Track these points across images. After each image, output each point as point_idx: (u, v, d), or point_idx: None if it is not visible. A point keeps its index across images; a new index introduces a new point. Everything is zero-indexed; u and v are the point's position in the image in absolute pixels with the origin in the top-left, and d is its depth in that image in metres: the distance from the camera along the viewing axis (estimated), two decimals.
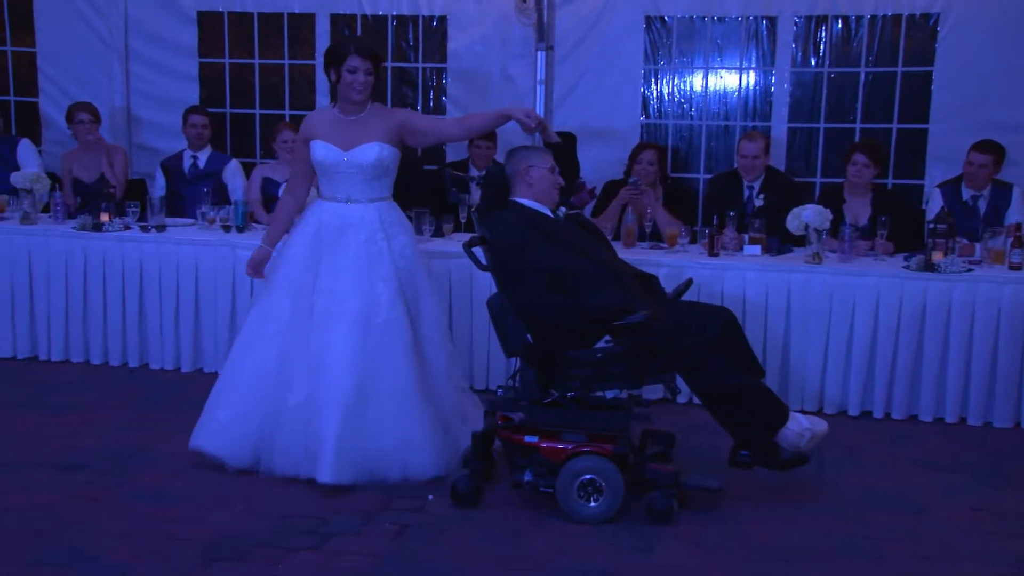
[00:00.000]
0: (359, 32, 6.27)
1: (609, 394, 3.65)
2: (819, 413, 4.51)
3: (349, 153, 3.61)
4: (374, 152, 3.62)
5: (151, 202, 5.15)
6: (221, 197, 5.65)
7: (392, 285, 3.59)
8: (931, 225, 4.62)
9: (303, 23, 6.38)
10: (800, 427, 3.35)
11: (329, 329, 3.52)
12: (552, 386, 3.41)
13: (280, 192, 5.18)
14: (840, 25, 5.89)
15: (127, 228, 5.09)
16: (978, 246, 4.73)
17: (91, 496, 3.45)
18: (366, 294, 3.55)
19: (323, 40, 6.31)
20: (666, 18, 6.07)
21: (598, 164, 5.68)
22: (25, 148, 6.01)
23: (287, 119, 6.26)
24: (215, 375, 3.87)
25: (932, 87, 5.79)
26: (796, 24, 5.92)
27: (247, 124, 6.58)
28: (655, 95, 6.20)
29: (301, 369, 3.53)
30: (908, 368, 4.44)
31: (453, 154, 6.18)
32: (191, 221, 5.33)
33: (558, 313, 3.35)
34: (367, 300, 3.54)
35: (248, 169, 5.94)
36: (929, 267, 4.41)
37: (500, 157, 4.28)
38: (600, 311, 3.31)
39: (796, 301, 4.51)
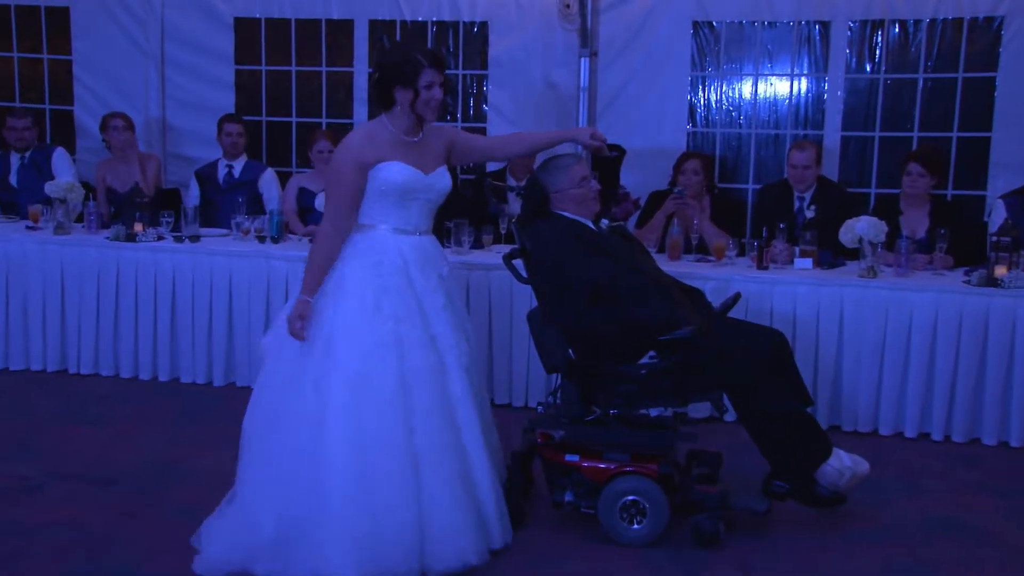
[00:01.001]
0: (398, 38, 6.34)
1: (653, 412, 3.64)
2: (873, 434, 4.48)
3: (429, 177, 3.27)
4: (447, 176, 3.36)
5: (185, 212, 5.23)
6: (256, 207, 5.73)
7: (468, 325, 3.47)
8: (994, 238, 4.56)
9: (341, 29, 6.48)
10: (842, 464, 3.34)
11: (460, 388, 3.21)
12: (594, 403, 3.43)
13: (317, 203, 5.26)
14: (897, 29, 5.85)
15: (160, 238, 5.18)
16: None
17: (125, 511, 3.51)
18: (465, 340, 3.32)
19: (361, 47, 6.40)
20: (714, 23, 6.08)
21: (643, 174, 5.68)
22: (60, 157, 6.14)
23: (324, 127, 6.35)
24: (248, 389, 3.50)
25: (995, 93, 5.74)
26: (851, 29, 5.90)
27: (283, 132, 6.68)
28: (702, 103, 6.21)
29: (445, 443, 3.11)
30: (969, 388, 4.38)
31: (491, 163, 6.23)
32: (225, 232, 5.41)
33: (601, 326, 3.37)
34: (468, 346, 3.33)
35: (284, 179, 6.04)
36: (992, 282, 4.35)
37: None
38: (645, 324, 3.32)
39: (849, 317, 4.47)
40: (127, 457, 4.06)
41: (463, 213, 5.06)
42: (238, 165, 5.97)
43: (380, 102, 3.22)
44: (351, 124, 6.48)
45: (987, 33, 5.75)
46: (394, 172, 3.17)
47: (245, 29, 6.54)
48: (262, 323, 4.93)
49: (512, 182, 5.64)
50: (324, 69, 6.55)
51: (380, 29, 6.42)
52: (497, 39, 6.27)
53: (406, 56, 3.16)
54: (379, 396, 3.00)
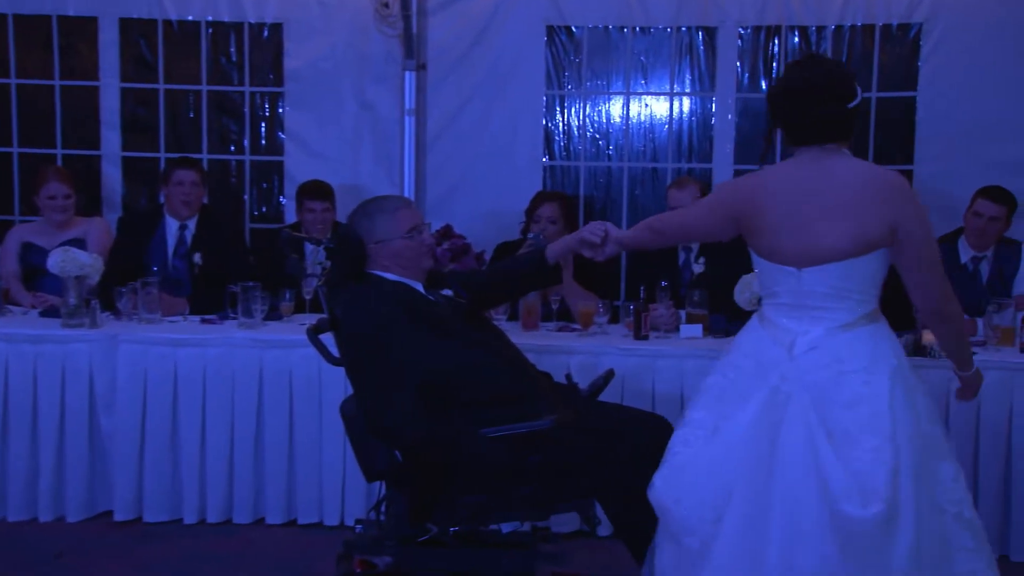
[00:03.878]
0: (160, 44, 6.32)
1: (506, 528, 3.69)
2: None
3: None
4: None
5: None
6: None
7: None
8: None
9: (80, 30, 6.42)
10: None
11: None
12: (430, 519, 3.45)
13: (50, 264, 5.11)
14: (797, 38, 6.25)
15: None
16: (980, 322, 4.92)
17: None
18: None
19: (110, 54, 6.34)
20: (573, 28, 6.33)
21: (487, 220, 5.82)
22: None
23: (58, 163, 6.24)
24: None
25: (916, 117, 6.14)
26: (741, 37, 6.26)
27: (3, 167, 6.53)
28: (561, 128, 6.42)
29: None
30: None
31: (292, 213, 6.26)
32: None
33: (434, 425, 3.41)
34: None
35: (3, 229, 5.89)
36: (920, 350, 4.61)
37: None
38: (493, 418, 3.39)
39: None
40: None
41: (254, 273, 5.07)
42: None
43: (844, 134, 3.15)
44: (97, 156, 6.40)
45: (903, 43, 6.17)
46: None
47: None
48: None
49: (318, 234, 5.65)
50: (58, 83, 6.47)
51: (135, 31, 6.39)
52: (295, 47, 6.36)
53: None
54: None
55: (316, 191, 5.72)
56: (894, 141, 6.22)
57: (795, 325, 3.07)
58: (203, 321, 5.09)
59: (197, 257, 5.54)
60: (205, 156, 6.46)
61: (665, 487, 3.11)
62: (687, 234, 3.92)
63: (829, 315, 3.05)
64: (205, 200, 5.73)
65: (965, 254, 5.55)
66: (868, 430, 2.90)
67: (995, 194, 5.45)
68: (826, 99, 3.08)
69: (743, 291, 4.74)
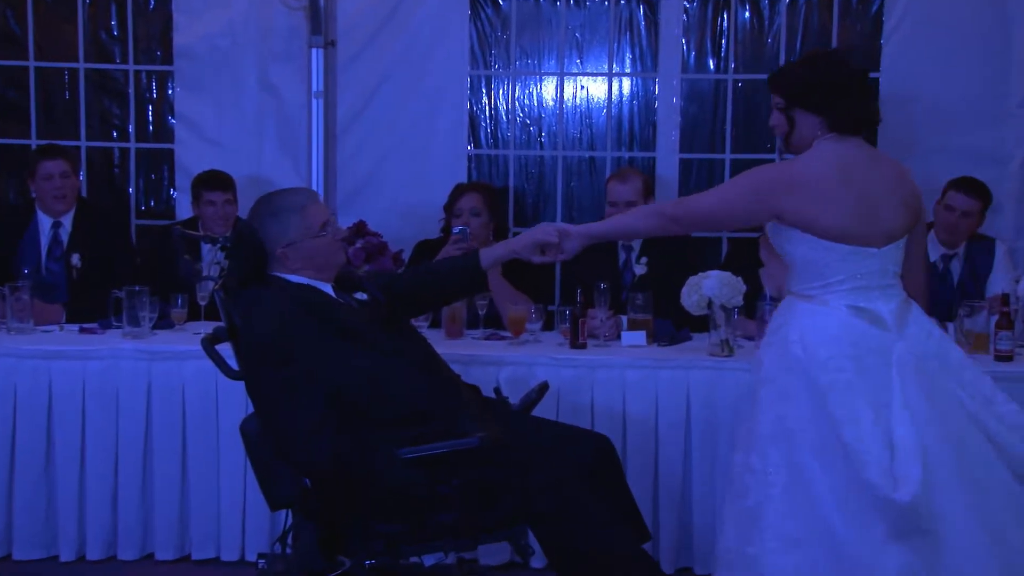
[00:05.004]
0: (30, 16, 6.25)
1: (428, 560, 3.69)
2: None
3: None
4: None
5: None
6: None
7: None
8: None
9: None
10: None
11: None
12: (343, 551, 3.45)
13: None
14: (748, 13, 6.31)
15: None
16: (951, 326, 4.93)
17: None
18: None
19: None
20: (500, 1, 6.35)
21: (405, 216, 5.81)
22: None
23: None
24: None
25: (878, 100, 6.18)
26: (687, 11, 6.30)
27: None
28: (488, 113, 6.44)
29: None
30: None
31: (184, 207, 6.20)
32: None
33: (345, 446, 3.40)
34: None
35: None
36: None
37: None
38: (412, 437, 3.39)
39: (699, 412, 4.68)
40: None
41: (140, 276, 5.03)
42: None
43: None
44: None
45: (864, 19, 6.27)
46: None
47: None
48: None
49: (217, 231, 5.60)
50: None
51: (0, 1, 6.32)
52: (186, 20, 6.29)
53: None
54: None
55: (215, 181, 5.68)
56: None
57: (882, 304, 3.42)
58: (82, 331, 5.03)
59: (75, 258, 5.48)
60: (84, 143, 6.39)
61: (884, 480, 3.15)
62: (714, 221, 4.00)
63: (895, 291, 3.48)
64: (83, 193, 5.66)
65: (934, 252, 5.53)
66: (987, 388, 3.43)
67: (969, 186, 5.51)
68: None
69: (691, 294, 4.75)
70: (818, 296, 3.42)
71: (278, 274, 3.64)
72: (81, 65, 6.37)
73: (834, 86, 3.48)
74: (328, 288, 3.68)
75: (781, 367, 3.40)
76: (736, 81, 6.37)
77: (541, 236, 3.78)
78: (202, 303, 5.02)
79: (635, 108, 6.46)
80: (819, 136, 3.47)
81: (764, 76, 6.05)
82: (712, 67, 6.36)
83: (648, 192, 5.52)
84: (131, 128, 6.47)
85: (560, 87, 6.44)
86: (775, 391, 3.38)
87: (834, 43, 6.22)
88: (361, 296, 3.80)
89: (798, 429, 3.27)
